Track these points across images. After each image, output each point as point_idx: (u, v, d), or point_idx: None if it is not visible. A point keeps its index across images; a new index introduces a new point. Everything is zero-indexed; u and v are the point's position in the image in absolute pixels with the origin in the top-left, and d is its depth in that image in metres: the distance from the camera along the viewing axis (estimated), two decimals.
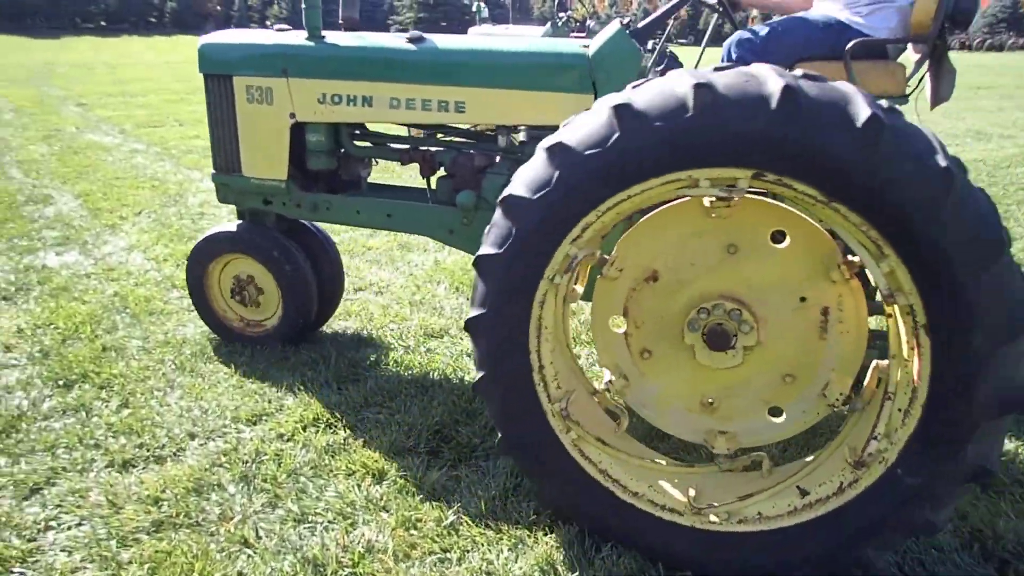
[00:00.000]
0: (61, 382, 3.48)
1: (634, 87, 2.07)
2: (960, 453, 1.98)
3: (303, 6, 3.41)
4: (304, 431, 3.08)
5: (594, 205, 2.07)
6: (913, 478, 2.05)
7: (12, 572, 2.30)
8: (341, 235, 5.90)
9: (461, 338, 4.05)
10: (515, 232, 2.11)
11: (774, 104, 1.84)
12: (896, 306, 1.99)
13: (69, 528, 2.50)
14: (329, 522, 2.51)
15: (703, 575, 2.26)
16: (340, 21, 3.62)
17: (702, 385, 2.28)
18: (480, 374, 2.29)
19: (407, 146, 3.58)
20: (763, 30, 3.13)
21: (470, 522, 2.50)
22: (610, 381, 2.33)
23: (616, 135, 1.98)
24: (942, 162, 1.81)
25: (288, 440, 3.02)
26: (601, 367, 2.42)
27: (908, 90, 3.03)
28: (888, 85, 2.91)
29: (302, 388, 3.43)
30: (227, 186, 3.76)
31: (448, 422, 3.13)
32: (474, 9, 17.70)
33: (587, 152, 2.01)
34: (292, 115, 3.44)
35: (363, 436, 3.05)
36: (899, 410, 2.06)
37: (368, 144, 3.68)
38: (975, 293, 1.85)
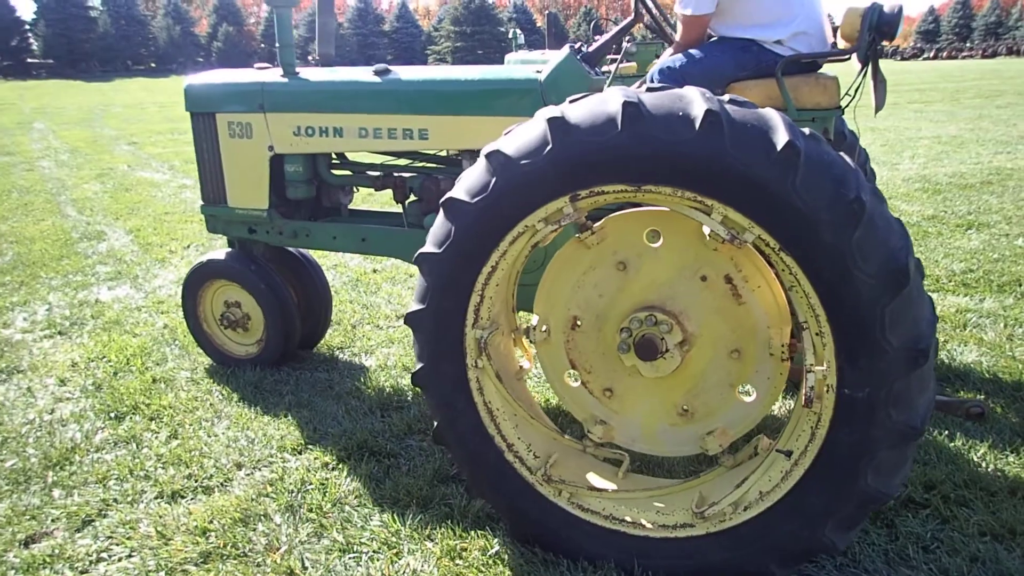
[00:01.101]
0: (113, 414, 3.55)
1: (571, 101, 2.13)
2: (861, 476, 2.01)
3: (277, 46, 3.64)
4: (349, 459, 3.08)
5: (527, 211, 2.14)
6: (816, 497, 2.08)
7: None
8: (384, 263, 5.95)
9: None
10: (454, 233, 2.20)
11: (697, 125, 1.89)
12: (808, 329, 2.01)
13: (120, 560, 2.53)
14: (374, 552, 2.50)
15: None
16: (315, 58, 3.75)
17: (669, 397, 2.32)
18: (419, 366, 2.37)
19: (381, 173, 3.73)
20: (684, 58, 3.19)
21: (515, 551, 2.45)
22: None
23: (549, 147, 2.05)
24: (853, 192, 1.85)
25: (333, 469, 3.02)
26: (582, 422, 2.47)
27: (845, 101, 3.09)
28: (821, 98, 2.98)
29: (346, 416, 3.44)
30: (215, 217, 3.97)
31: None
32: (510, 36, 17.89)
33: (522, 161, 2.09)
34: (271, 147, 3.65)
35: (407, 464, 3.03)
36: (810, 426, 2.09)
37: (344, 172, 3.86)
38: (879, 321, 1.88)
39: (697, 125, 1.89)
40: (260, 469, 3.04)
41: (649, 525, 2.32)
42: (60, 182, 10.64)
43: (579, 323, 2.38)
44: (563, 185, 2.08)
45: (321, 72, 3.68)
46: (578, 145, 2.02)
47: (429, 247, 2.26)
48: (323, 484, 2.90)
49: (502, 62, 13.67)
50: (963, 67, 40.65)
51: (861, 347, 1.92)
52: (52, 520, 2.75)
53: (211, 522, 2.67)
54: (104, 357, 4.24)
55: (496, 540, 2.51)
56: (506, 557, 2.43)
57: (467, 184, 2.20)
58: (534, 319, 2.46)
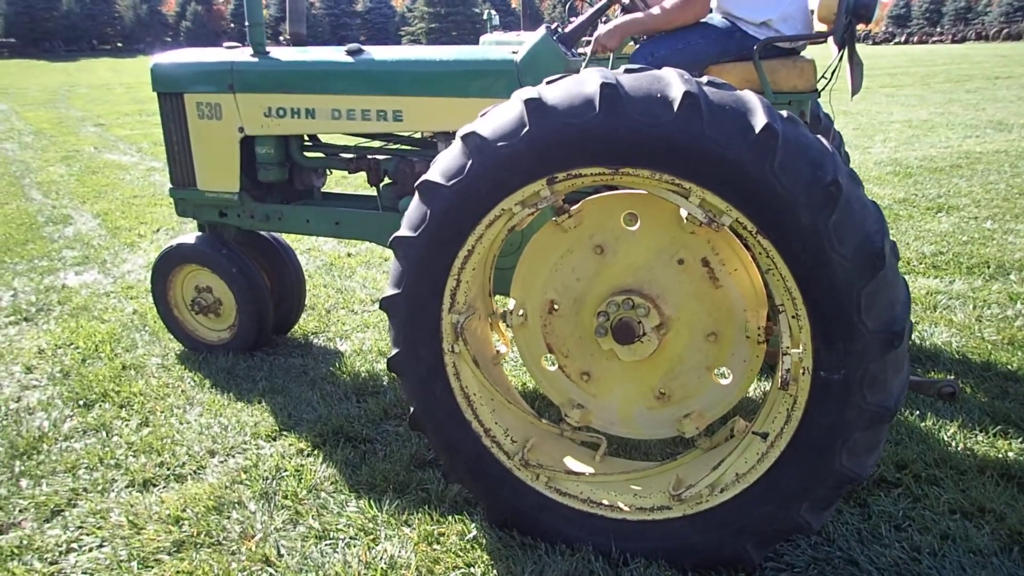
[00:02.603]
0: (82, 402, 3.48)
1: (548, 83, 2.10)
2: (836, 457, 2.02)
3: (246, 24, 3.56)
4: (324, 445, 3.05)
5: (504, 194, 2.11)
6: (791, 478, 2.10)
7: None
8: (358, 247, 5.89)
9: None
10: (429, 216, 2.17)
11: (676, 108, 1.88)
12: (784, 312, 2.02)
13: (91, 550, 2.48)
14: (351, 538, 2.48)
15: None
16: (286, 37, 3.78)
17: (646, 380, 2.33)
18: (395, 351, 2.35)
19: (355, 155, 3.68)
20: (665, 41, 3.13)
21: (493, 536, 2.45)
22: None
23: (526, 128, 2.02)
24: (830, 175, 1.85)
25: (308, 455, 2.99)
26: (559, 406, 2.47)
27: (822, 84, 3.09)
28: (798, 81, 2.99)
29: (321, 402, 3.40)
30: (185, 200, 3.90)
31: None
32: (485, 17, 17.72)
33: (499, 143, 2.06)
34: (241, 129, 3.57)
35: (383, 449, 3.01)
36: (786, 408, 2.10)
37: (318, 154, 3.80)
38: (855, 303, 1.89)
39: (675, 107, 1.88)
40: (234, 456, 3.00)
41: (626, 508, 2.32)
42: (24, 164, 10.38)
43: (556, 307, 2.37)
44: (540, 168, 2.05)
45: (292, 52, 3.62)
46: (555, 127, 1.99)
47: (404, 231, 2.24)
48: (298, 471, 2.87)
49: (477, 43, 13.55)
50: (933, 52, 41.15)
51: (837, 329, 1.93)
52: (20, 511, 2.69)
53: (184, 510, 2.63)
54: (72, 344, 4.15)
55: (474, 525, 2.50)
56: (484, 542, 2.42)
57: (442, 166, 2.17)
58: (511, 303, 2.44)
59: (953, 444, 2.91)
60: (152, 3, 74.35)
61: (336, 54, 3.44)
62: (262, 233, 4.08)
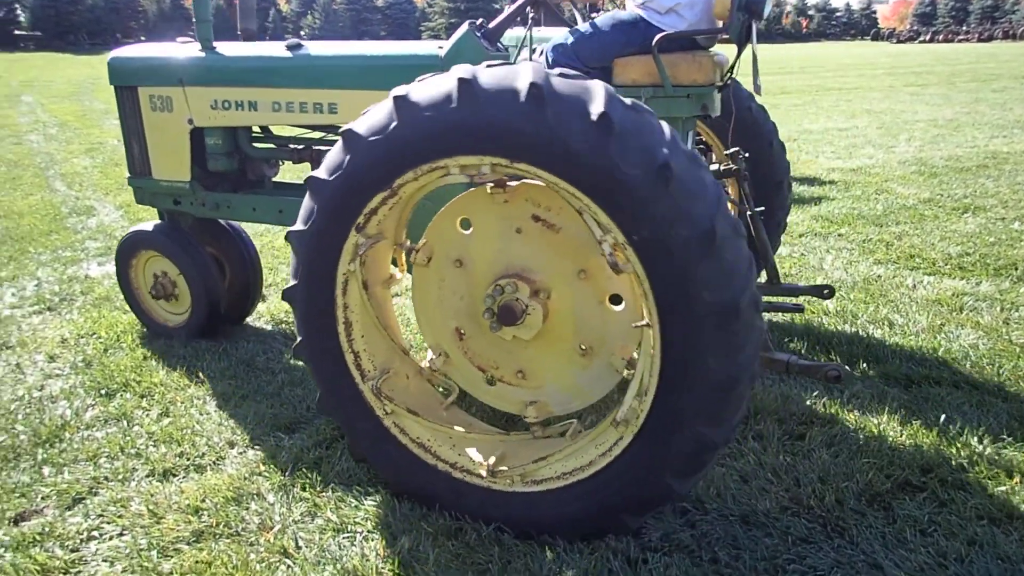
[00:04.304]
0: (103, 391, 3.50)
1: (420, 80, 2.23)
2: (690, 425, 2.12)
3: (194, 20, 3.74)
4: (342, 439, 3.04)
5: (380, 187, 2.24)
6: (654, 447, 2.19)
7: None
8: None
9: None
10: (316, 210, 2.33)
11: (522, 98, 2.00)
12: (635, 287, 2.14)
13: (111, 538, 2.49)
14: (369, 531, 2.47)
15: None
16: (238, 32, 3.96)
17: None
18: (299, 339, 2.51)
19: (302, 146, 3.82)
20: (576, 33, 3.28)
21: (511, 533, 2.43)
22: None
23: (394, 123, 2.16)
24: (662, 158, 1.95)
25: (327, 447, 2.99)
26: (519, 414, 2.54)
27: (726, 78, 3.21)
28: (697, 75, 3.07)
29: None
30: (142, 189, 4.07)
31: None
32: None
33: (371, 138, 2.20)
34: (190, 121, 3.75)
35: None
36: (643, 382, 2.19)
37: (267, 145, 3.95)
38: (691, 278, 1.99)
39: (522, 97, 2.00)
40: (253, 448, 3.01)
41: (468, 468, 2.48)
42: (49, 156, 10.50)
43: (463, 331, 2.50)
44: (410, 159, 2.19)
45: (237, 47, 3.77)
46: (420, 120, 2.15)
47: (297, 224, 2.39)
48: (317, 463, 2.87)
49: None
50: (959, 50, 40.60)
51: (677, 302, 2.03)
52: (42, 498, 2.71)
53: (203, 501, 2.64)
54: (94, 333, 4.18)
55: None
56: (502, 538, 2.41)
57: (327, 162, 2.32)
58: (429, 353, 2.57)
59: (980, 448, 2.86)
60: None
61: (276, 50, 3.58)
62: (220, 221, 4.20)
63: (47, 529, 2.53)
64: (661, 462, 2.19)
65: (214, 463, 2.90)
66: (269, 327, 4.35)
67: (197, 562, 2.35)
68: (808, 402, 3.24)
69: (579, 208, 2.10)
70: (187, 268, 3.94)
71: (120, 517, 2.59)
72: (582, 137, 1.97)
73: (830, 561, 2.29)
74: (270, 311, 4.53)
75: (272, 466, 2.85)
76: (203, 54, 3.71)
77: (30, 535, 2.50)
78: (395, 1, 78.17)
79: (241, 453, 2.97)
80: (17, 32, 65.19)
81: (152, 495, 2.70)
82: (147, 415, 3.28)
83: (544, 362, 2.44)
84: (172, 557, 2.39)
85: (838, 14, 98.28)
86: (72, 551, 2.44)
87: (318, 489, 2.70)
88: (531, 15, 3.49)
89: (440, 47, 3.20)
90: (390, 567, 2.31)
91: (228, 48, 3.72)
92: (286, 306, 4.21)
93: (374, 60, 3.34)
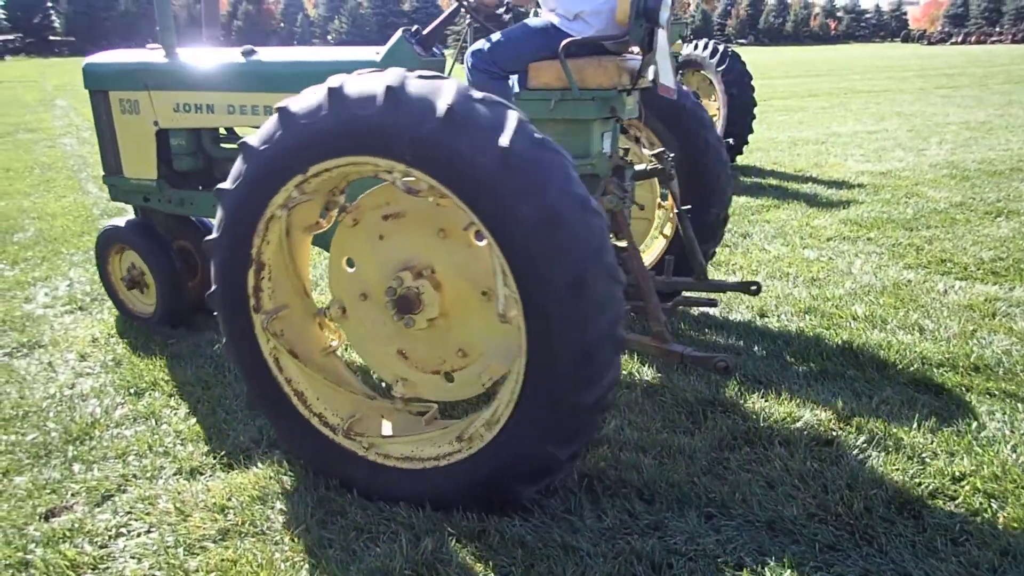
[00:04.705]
0: (132, 390, 3.56)
1: (302, 94, 2.44)
2: (560, 391, 2.26)
3: (157, 28, 3.94)
4: None
5: (303, 166, 2.40)
6: (534, 416, 2.32)
7: None
8: None
9: None
10: (244, 173, 2.51)
11: (380, 100, 2.23)
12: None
13: (139, 535, 2.53)
14: (393, 533, 2.48)
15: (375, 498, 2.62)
16: (204, 38, 4.17)
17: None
18: (214, 287, 2.68)
19: None
20: (493, 39, 3.43)
21: (535, 536, 2.43)
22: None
23: (279, 132, 2.41)
24: (505, 142, 2.12)
25: None
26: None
27: (633, 83, 3.31)
28: (602, 79, 3.19)
29: None
30: (115, 186, 4.35)
31: None
32: (532, 15, 17.75)
33: (261, 147, 2.44)
34: (155, 123, 3.99)
35: None
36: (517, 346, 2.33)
37: (231, 146, 4.13)
38: (539, 255, 2.15)
39: (380, 100, 2.22)
40: (279, 447, 3.03)
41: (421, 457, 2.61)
42: (82, 159, 10.69)
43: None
44: (294, 166, 2.41)
45: (197, 53, 3.98)
46: (298, 128, 2.37)
47: (226, 183, 2.57)
48: None
49: None
50: (992, 52, 39.91)
51: (531, 277, 2.18)
52: (72, 494, 2.76)
53: (230, 499, 2.67)
54: (124, 333, 4.25)
55: (515, 524, 2.48)
56: (526, 541, 2.40)
57: (260, 132, 2.50)
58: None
59: (1013, 456, 2.80)
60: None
61: (231, 55, 3.78)
62: (192, 218, 4.40)
63: (77, 525, 2.57)
64: (540, 430, 2.33)
65: (240, 462, 2.93)
66: None
67: (223, 560, 2.37)
68: (836, 408, 3.19)
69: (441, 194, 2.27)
70: (151, 260, 4.18)
71: (148, 514, 2.62)
72: (429, 130, 2.17)
73: (858, 569, 2.26)
74: None
75: (297, 466, 2.87)
76: (166, 60, 3.93)
77: (60, 531, 2.54)
78: (421, 5, 78.59)
79: (267, 453, 3.00)
80: (52, 38, 66.54)
81: (179, 493, 2.73)
82: (175, 414, 3.32)
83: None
84: (198, 555, 2.42)
85: (867, 16, 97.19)
86: (101, 547, 2.47)
87: (343, 489, 2.72)
88: (468, 22, 3.63)
89: (377, 53, 3.38)
90: (413, 568, 2.31)
91: (189, 54, 3.95)
92: None
93: (315, 66, 3.53)
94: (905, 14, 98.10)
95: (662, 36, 3.17)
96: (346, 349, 3.56)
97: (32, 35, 64.62)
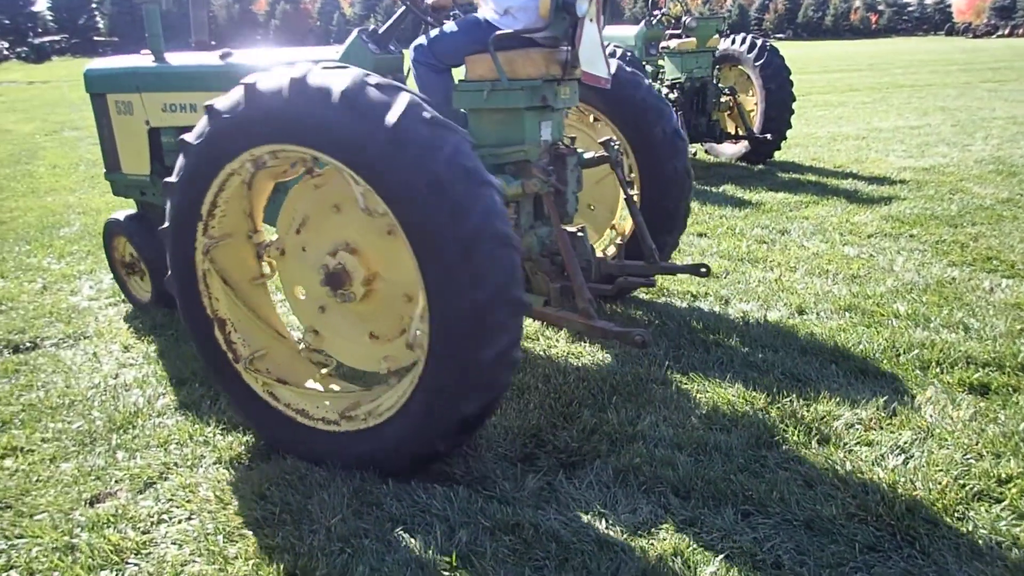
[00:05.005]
0: (174, 380, 3.63)
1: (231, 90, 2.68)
2: (462, 348, 2.42)
3: (146, 35, 4.22)
4: None
5: (230, 156, 2.66)
6: (441, 375, 2.50)
7: (128, 563, 2.39)
8: None
9: (557, 340, 3.98)
10: (184, 166, 2.79)
11: (286, 92, 2.48)
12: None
13: (180, 522, 2.58)
14: (428, 524, 2.50)
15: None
16: (192, 42, 4.39)
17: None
18: (169, 273, 2.96)
19: None
20: (432, 35, 3.61)
21: (568, 531, 2.43)
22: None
23: (208, 130, 2.69)
24: (395, 119, 2.34)
25: None
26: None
27: (564, 73, 3.36)
28: (531, 69, 3.32)
29: None
30: (116, 182, 4.66)
31: (545, 426, 3.08)
32: None
33: (225, 115, 2.65)
34: (147, 122, 4.28)
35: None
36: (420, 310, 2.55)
37: None
38: (430, 219, 2.35)
39: (286, 92, 2.48)
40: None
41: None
42: None
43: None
44: (220, 158, 2.69)
45: (181, 57, 4.28)
46: (222, 123, 2.65)
47: (171, 177, 2.84)
48: None
49: None
50: None
51: (425, 240, 2.38)
52: (116, 481, 2.83)
53: (268, 488, 2.71)
54: (166, 326, 4.33)
55: (548, 517, 2.48)
56: (560, 535, 2.40)
57: (195, 129, 2.75)
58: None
59: None
60: (244, 3, 77.11)
61: (211, 58, 4.06)
62: None
63: (120, 511, 2.63)
64: (446, 385, 2.49)
65: (278, 452, 2.97)
66: None
67: (262, 547, 2.41)
68: (877, 407, 3.13)
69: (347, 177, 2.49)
70: (143, 250, 4.44)
71: (189, 502, 2.68)
72: (328, 113, 2.40)
73: (899, 571, 2.22)
74: None
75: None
76: (154, 64, 4.24)
77: (105, 516, 2.60)
78: (457, 3, 78.81)
79: None
80: (96, 38, 68.04)
81: (219, 481, 2.78)
82: (215, 404, 3.38)
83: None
84: (237, 542, 2.46)
85: (910, 8, 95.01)
86: (144, 532, 2.53)
87: (378, 480, 2.74)
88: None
89: (337, 51, 3.62)
90: (447, 559, 2.32)
91: (175, 58, 4.25)
92: None
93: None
94: (949, 6, 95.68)
95: (590, 28, 3.30)
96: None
97: (77, 35, 66.13)
